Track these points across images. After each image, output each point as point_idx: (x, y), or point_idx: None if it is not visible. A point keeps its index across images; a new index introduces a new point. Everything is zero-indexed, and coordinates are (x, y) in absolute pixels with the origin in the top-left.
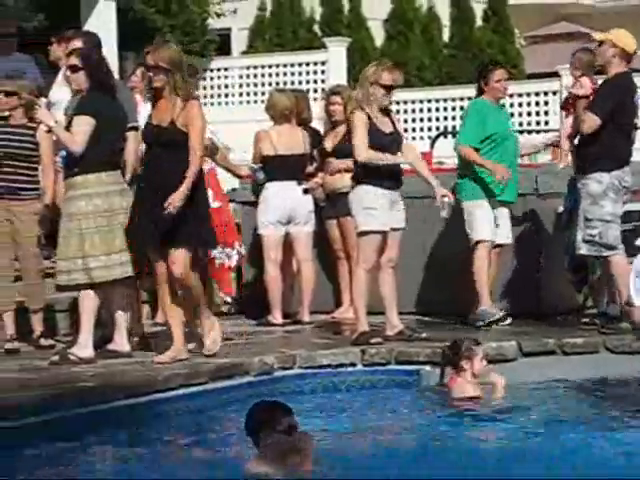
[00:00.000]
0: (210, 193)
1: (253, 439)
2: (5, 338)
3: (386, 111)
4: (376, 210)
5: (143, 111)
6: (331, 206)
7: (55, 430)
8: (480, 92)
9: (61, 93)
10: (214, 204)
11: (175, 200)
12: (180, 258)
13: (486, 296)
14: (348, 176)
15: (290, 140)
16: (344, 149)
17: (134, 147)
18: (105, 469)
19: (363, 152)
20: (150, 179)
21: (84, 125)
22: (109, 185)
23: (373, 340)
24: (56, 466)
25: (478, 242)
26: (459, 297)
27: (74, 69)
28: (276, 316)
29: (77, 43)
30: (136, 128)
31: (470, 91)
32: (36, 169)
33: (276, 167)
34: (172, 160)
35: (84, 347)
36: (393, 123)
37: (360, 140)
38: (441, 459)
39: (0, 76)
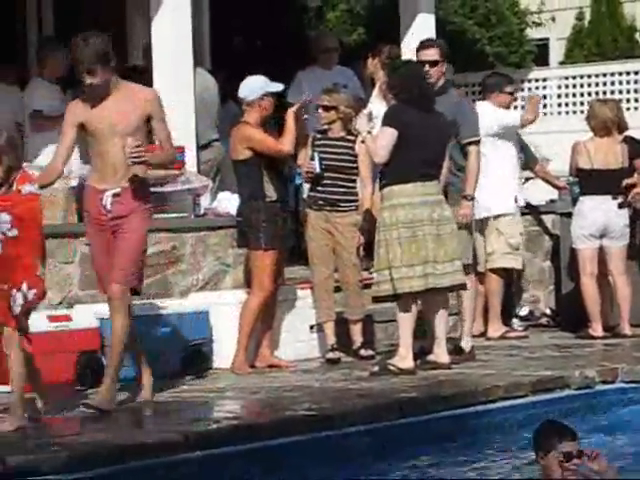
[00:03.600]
0: None
1: (535, 457)
2: (326, 348)
3: None
4: None
5: None
6: None
7: (374, 440)
8: None
9: (378, 107)
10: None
11: None
12: None
13: None
14: None
15: (607, 154)
16: None
17: (475, 160)
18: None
19: None
20: None
21: (386, 137)
22: (415, 196)
23: None
24: (376, 476)
25: None
26: None
27: None
28: (596, 329)
29: (429, 52)
30: (477, 142)
31: None
32: (355, 181)
33: (591, 181)
34: None
35: (404, 358)
36: None
37: None
38: None
39: (320, 90)
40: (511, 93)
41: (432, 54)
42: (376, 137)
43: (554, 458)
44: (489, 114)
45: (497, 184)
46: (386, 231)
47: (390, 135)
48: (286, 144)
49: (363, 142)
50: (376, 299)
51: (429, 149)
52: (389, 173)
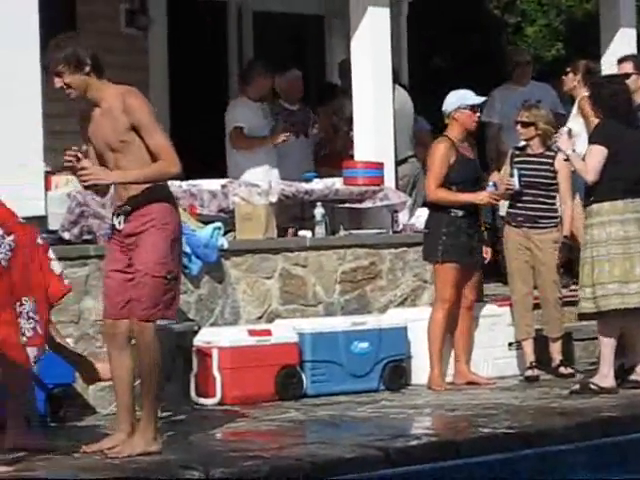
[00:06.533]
0: None
1: None
2: (525, 365)
3: None
4: None
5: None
6: None
7: (575, 459)
8: None
9: (577, 125)
10: None
11: None
12: None
13: None
14: None
15: None
16: None
17: None
18: None
19: None
20: None
21: (596, 155)
22: (626, 213)
23: None
24: None
25: None
26: None
27: None
28: None
29: (626, 66)
30: None
31: None
32: (554, 197)
33: None
34: None
35: (605, 377)
36: None
37: None
38: None
39: (517, 106)
40: None
41: (627, 67)
42: (587, 156)
43: None
44: None
45: None
46: (593, 248)
47: (600, 153)
48: (439, 197)
49: (567, 160)
50: (581, 316)
51: (638, 165)
52: (599, 190)
